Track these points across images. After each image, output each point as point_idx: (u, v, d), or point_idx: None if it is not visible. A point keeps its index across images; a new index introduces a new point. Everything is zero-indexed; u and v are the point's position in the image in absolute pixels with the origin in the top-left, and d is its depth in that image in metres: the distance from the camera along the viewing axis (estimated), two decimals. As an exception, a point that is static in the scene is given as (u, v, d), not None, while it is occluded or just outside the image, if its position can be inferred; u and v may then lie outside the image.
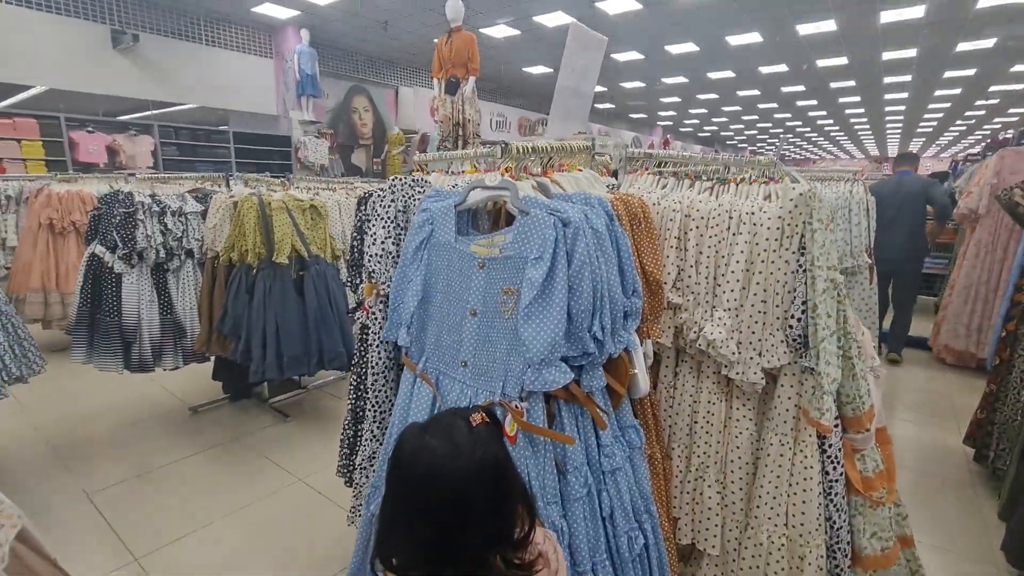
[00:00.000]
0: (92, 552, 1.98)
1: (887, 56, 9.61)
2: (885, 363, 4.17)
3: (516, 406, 0.98)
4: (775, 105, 14.82)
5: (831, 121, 17.62)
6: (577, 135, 2.21)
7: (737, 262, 1.32)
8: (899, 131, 19.31)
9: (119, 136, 6.61)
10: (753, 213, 1.33)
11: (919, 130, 18.69)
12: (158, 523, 2.14)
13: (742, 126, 19.15)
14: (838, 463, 1.33)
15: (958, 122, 16.72)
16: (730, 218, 1.36)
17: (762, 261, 1.29)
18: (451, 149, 4.24)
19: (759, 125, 18.94)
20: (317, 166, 8.52)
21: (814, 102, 14.20)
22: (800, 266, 1.25)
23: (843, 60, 10.02)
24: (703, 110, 15.97)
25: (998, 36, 8.28)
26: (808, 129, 19.67)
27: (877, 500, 1.34)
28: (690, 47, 9.40)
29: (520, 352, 0.98)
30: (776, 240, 1.28)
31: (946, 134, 19.57)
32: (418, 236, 1.16)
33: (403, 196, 1.33)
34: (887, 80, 11.42)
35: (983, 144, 6.20)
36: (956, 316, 3.84)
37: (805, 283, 1.24)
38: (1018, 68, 10.13)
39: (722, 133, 21.17)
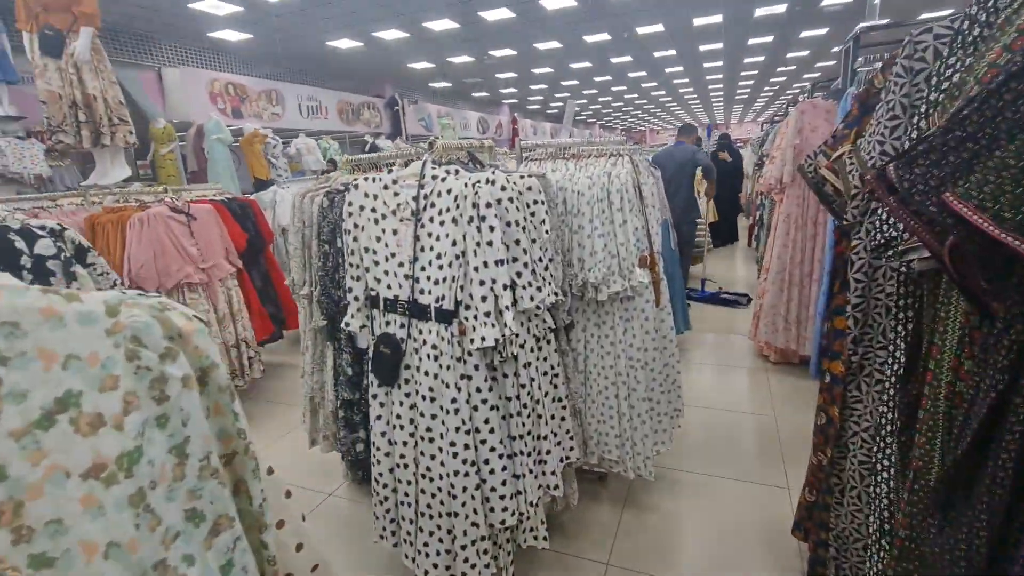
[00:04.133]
0: None
1: (698, 22, 9.36)
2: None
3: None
4: (609, 77, 14.49)
5: (663, 92, 17.92)
6: None
7: None
8: (721, 99, 20.36)
9: None
10: None
11: (737, 97, 19.81)
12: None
13: (585, 100, 18.89)
14: None
15: (766, 88, 17.85)
16: None
17: None
18: (74, 144, 2.66)
19: (601, 99, 18.81)
20: (30, 177, 6.16)
21: (643, 73, 14.06)
22: None
23: (659, 27, 9.63)
24: (543, 85, 15.26)
25: (787, 2, 8.27)
26: (645, 101, 19.99)
27: None
28: (505, 13, 8.32)
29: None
30: None
31: (759, 99, 21.04)
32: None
33: None
34: (702, 48, 11.38)
35: (786, 106, 5.97)
36: (773, 307, 3.14)
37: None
38: (806, 34, 10.50)
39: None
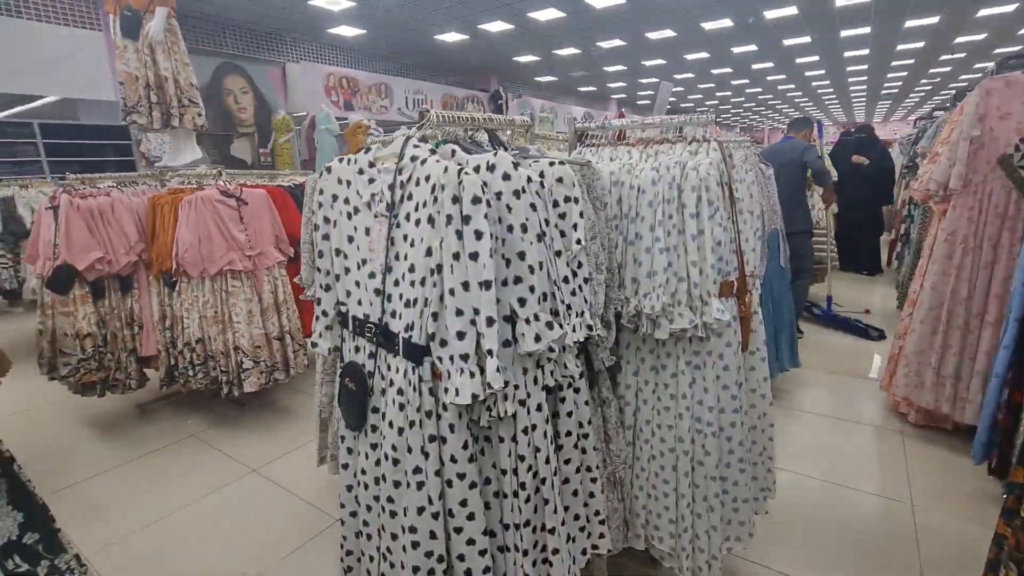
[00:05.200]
0: None
1: (840, 2, 7.98)
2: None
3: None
4: (729, 70, 13.13)
5: (792, 86, 15.90)
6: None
7: None
8: (864, 94, 17.65)
9: None
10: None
11: (884, 91, 17.05)
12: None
13: (700, 95, 17.42)
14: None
15: (923, 81, 15.09)
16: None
17: None
18: (146, 125, 2.67)
19: (718, 94, 17.22)
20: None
21: (770, 64, 12.52)
22: None
23: (792, 10, 8.37)
24: (654, 79, 14.25)
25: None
26: (771, 96, 17.96)
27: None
28: (617, 0, 7.71)
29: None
30: None
31: (911, 96, 17.96)
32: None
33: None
34: (844, 33, 9.77)
35: (952, 97, 4.41)
36: (919, 353, 2.33)
37: None
38: (986, 12, 8.52)
39: (682, 104, 19.41)
